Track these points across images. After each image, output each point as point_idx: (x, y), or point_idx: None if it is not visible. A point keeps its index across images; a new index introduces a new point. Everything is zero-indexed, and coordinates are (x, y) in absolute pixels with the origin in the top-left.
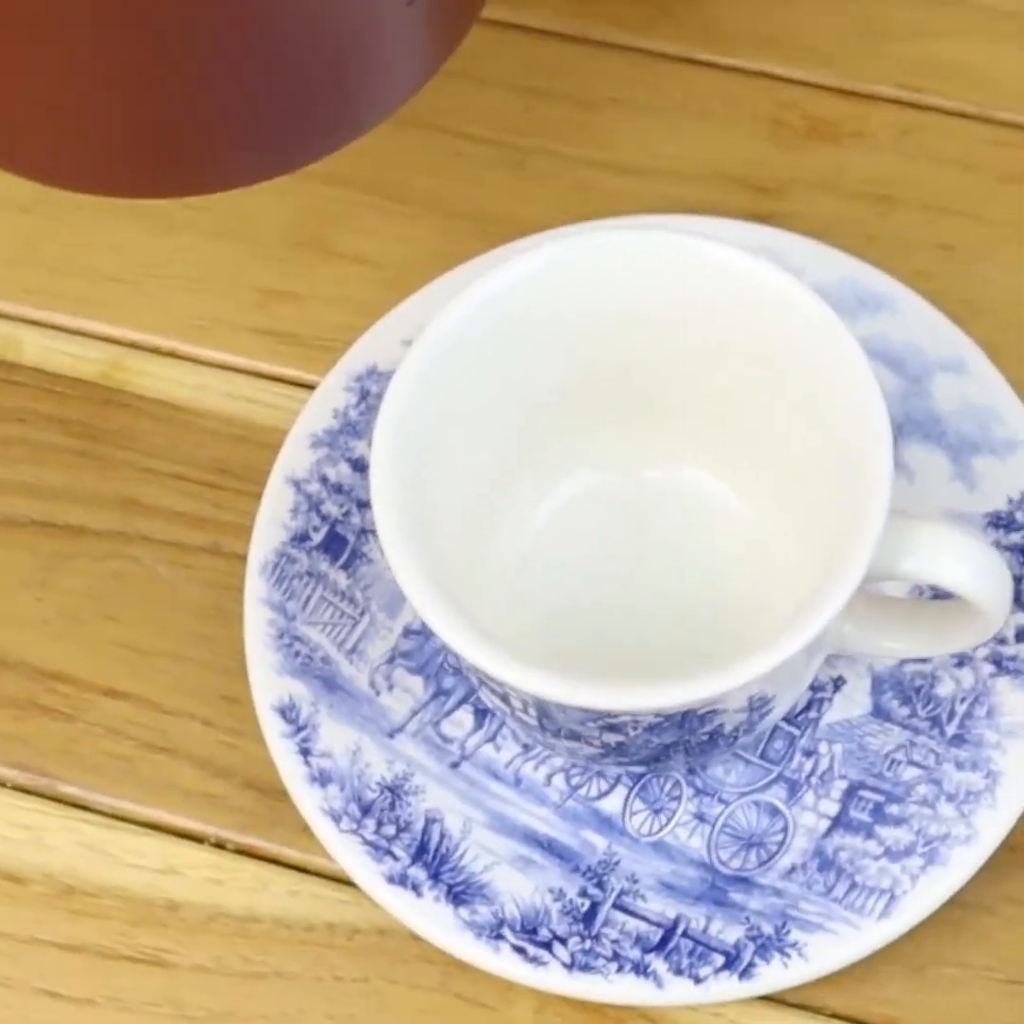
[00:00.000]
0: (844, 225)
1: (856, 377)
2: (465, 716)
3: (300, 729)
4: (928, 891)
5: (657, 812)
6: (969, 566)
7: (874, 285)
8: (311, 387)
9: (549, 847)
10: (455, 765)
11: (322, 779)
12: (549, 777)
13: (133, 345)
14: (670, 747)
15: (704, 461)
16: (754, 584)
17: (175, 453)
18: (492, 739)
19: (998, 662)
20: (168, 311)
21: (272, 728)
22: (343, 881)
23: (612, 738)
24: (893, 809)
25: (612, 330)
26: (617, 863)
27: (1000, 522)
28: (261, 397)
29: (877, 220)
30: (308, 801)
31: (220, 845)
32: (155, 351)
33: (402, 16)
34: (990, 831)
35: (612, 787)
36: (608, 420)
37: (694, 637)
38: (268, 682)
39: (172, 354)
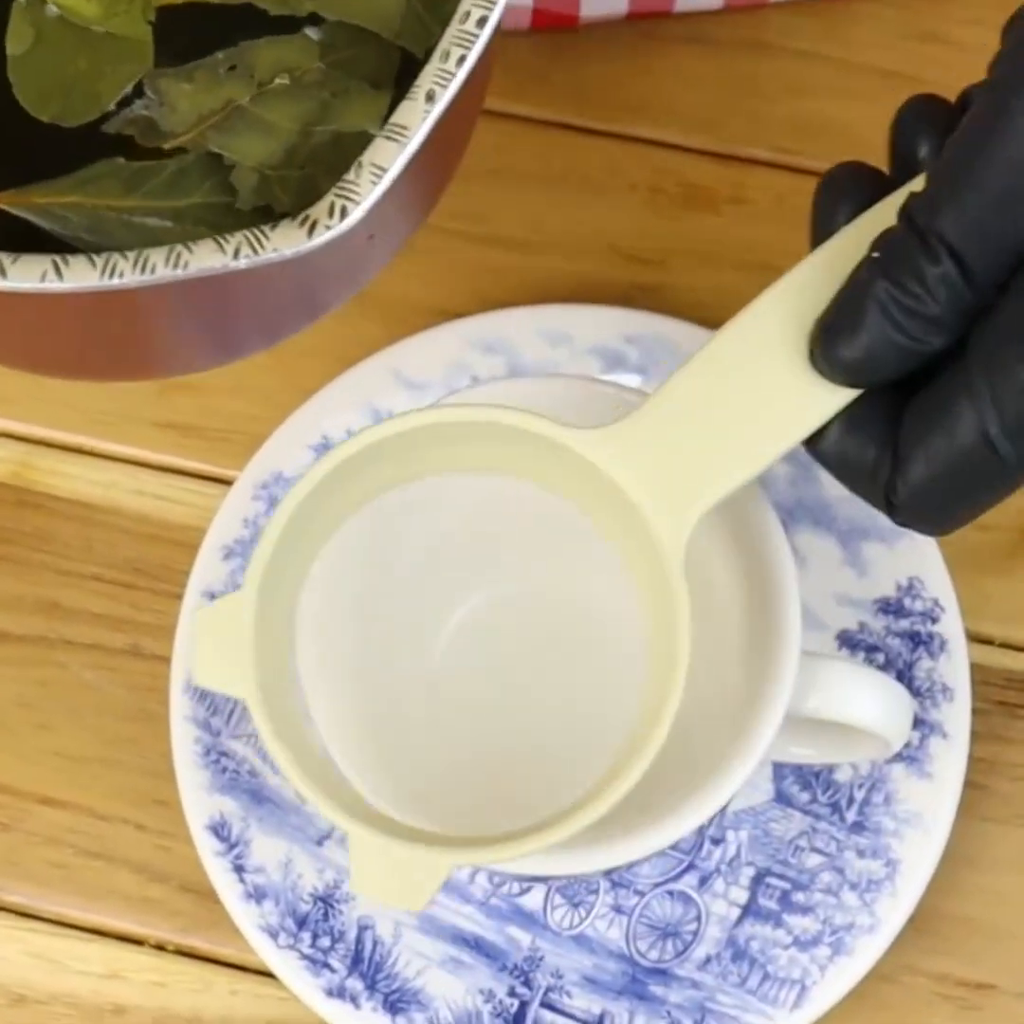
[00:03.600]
0: (727, 296)
1: (766, 529)
2: None
3: (233, 846)
4: (836, 980)
5: (576, 906)
6: (873, 703)
7: None
8: (217, 480)
9: (477, 946)
10: None
11: (257, 895)
12: (472, 876)
13: (40, 442)
14: None
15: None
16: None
17: (91, 554)
18: None
19: None
20: (71, 405)
21: (206, 847)
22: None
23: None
24: (799, 897)
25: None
26: (542, 959)
27: (889, 608)
28: (169, 493)
29: (758, 290)
30: (245, 918)
31: (161, 947)
32: (62, 448)
33: (362, 248)
34: (892, 919)
35: (533, 883)
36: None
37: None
38: (199, 801)
39: (78, 450)
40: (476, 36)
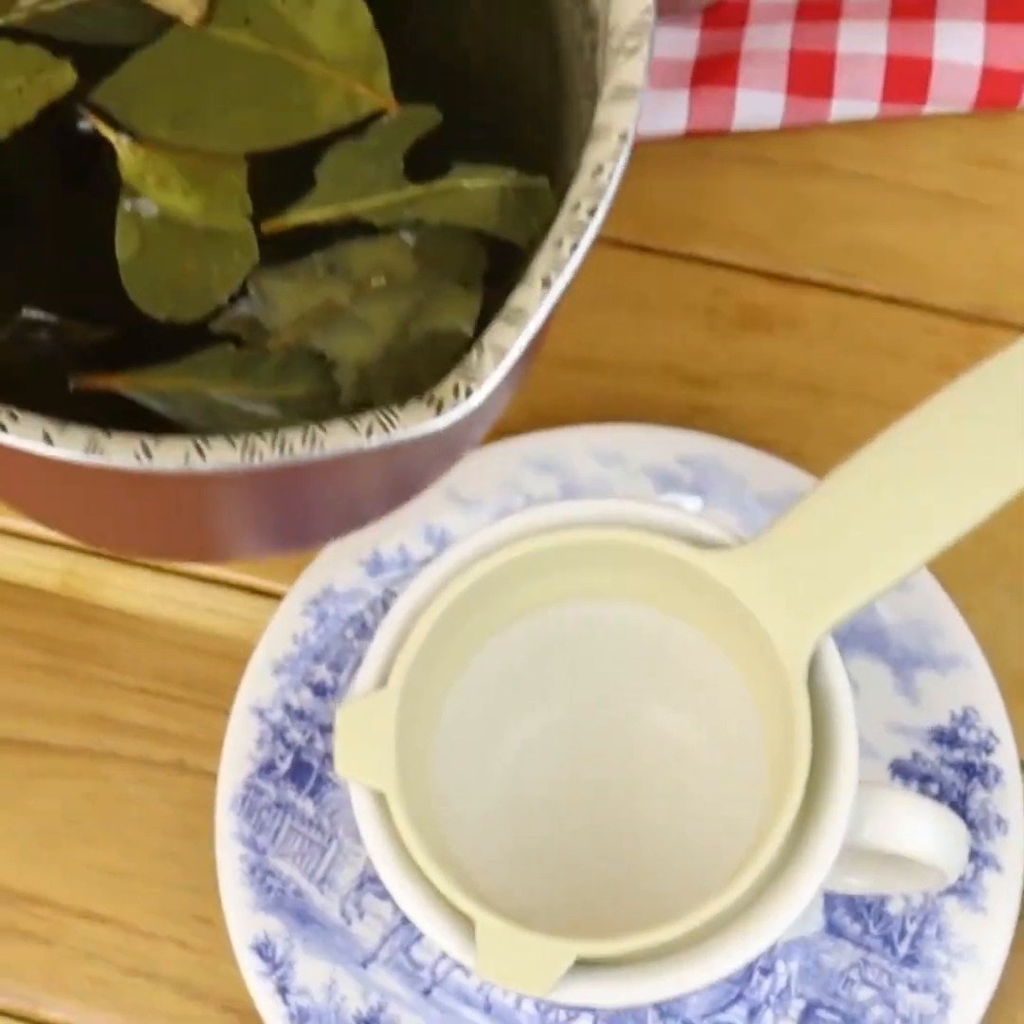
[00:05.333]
0: (781, 418)
1: (823, 655)
2: None
3: (277, 967)
4: None
5: None
6: (929, 835)
7: None
8: (266, 594)
9: None
10: (427, 992)
11: (301, 1017)
12: (519, 1001)
13: (88, 552)
14: None
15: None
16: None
17: (137, 666)
18: (459, 963)
19: None
20: None
21: (250, 967)
22: None
23: None
24: None
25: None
26: None
27: (943, 738)
28: (217, 606)
29: (812, 413)
30: None
31: None
32: (110, 558)
33: (463, 432)
34: None
35: (580, 1011)
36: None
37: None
38: (243, 919)
39: (126, 561)
40: (587, 224)
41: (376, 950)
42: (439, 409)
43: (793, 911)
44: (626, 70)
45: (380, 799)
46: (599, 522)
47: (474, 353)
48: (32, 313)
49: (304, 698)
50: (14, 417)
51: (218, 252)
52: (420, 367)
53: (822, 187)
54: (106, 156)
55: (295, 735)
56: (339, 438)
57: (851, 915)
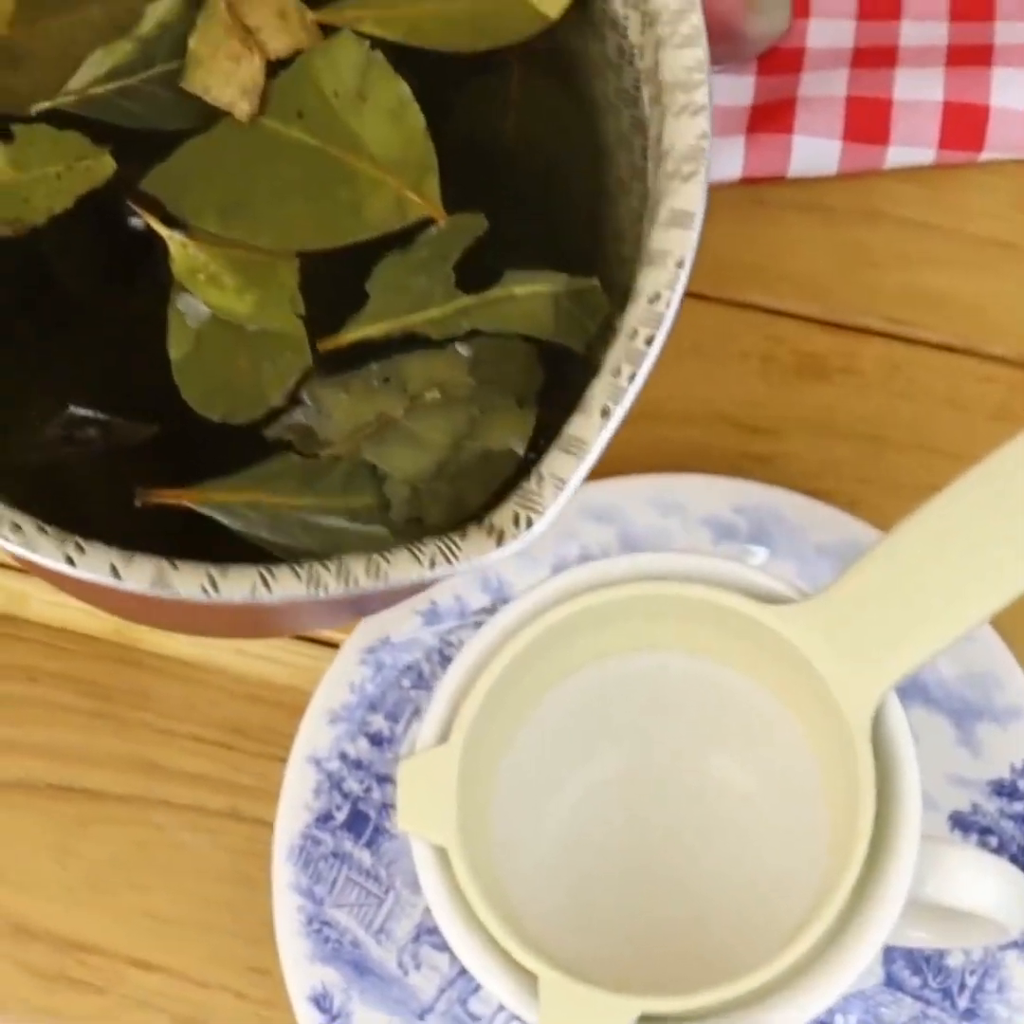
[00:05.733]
0: (838, 467)
1: (886, 708)
2: None
3: (334, 1018)
4: None
5: None
6: (992, 890)
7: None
8: (322, 643)
9: None
10: None
11: None
12: None
13: None
14: None
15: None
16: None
17: (191, 714)
18: (518, 1016)
19: None
20: None
21: (307, 1019)
22: None
23: None
24: None
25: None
26: None
27: (1003, 790)
28: (271, 654)
29: (870, 462)
30: None
31: None
32: None
33: None
34: None
35: None
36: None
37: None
38: (301, 970)
39: None
40: (645, 353)
41: (433, 1002)
42: (500, 539)
43: (859, 965)
44: (683, 195)
45: (441, 853)
46: (659, 575)
47: (533, 481)
48: (79, 410)
49: (361, 747)
50: (81, 549)
51: (270, 352)
52: (470, 485)
53: (878, 235)
54: (157, 249)
55: (352, 785)
56: (402, 569)
57: (910, 968)
